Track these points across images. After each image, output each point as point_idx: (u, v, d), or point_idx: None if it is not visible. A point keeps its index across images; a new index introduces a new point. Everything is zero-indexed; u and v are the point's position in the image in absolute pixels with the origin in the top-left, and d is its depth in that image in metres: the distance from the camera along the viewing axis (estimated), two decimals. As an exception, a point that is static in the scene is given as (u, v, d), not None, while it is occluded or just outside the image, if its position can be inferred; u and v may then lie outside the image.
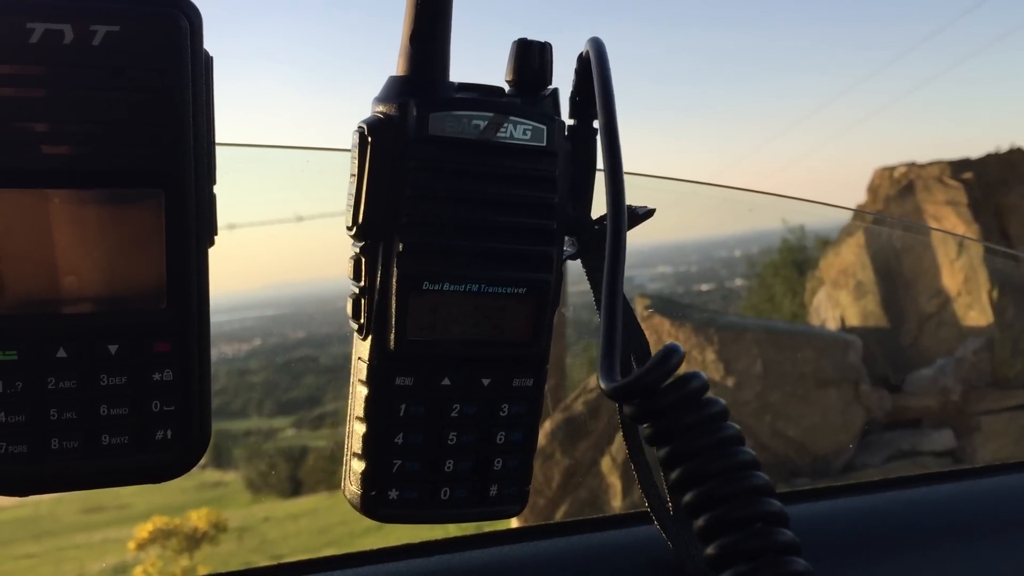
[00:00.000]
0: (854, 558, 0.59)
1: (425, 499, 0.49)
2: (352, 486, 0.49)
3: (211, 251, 0.44)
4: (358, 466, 0.48)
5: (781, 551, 0.37)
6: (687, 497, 0.38)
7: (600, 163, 0.46)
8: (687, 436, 0.38)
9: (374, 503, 0.48)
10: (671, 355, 0.38)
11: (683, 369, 0.39)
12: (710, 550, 0.37)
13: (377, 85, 0.47)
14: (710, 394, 0.39)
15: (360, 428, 0.48)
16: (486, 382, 0.48)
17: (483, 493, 0.50)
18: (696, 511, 0.38)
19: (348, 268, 0.47)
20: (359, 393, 0.48)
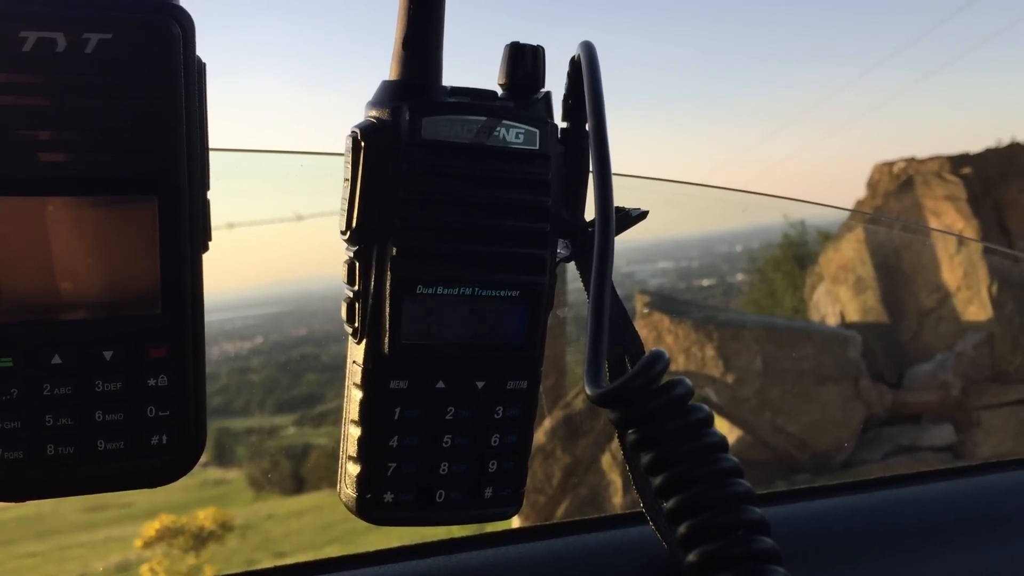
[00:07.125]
0: (851, 557, 0.59)
1: (420, 501, 0.49)
2: (348, 489, 0.49)
3: (212, 250, 0.44)
4: (353, 469, 0.48)
5: (761, 559, 0.37)
6: (669, 504, 0.38)
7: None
8: (670, 443, 0.38)
9: (370, 506, 0.48)
10: (656, 362, 0.38)
11: (681, 368, 0.40)
12: (691, 557, 0.37)
13: (370, 88, 0.47)
14: (697, 401, 0.39)
15: (355, 431, 0.48)
16: (480, 385, 0.48)
17: (478, 495, 0.50)
18: (678, 517, 0.38)
19: (342, 272, 0.47)
20: (354, 396, 0.48)
